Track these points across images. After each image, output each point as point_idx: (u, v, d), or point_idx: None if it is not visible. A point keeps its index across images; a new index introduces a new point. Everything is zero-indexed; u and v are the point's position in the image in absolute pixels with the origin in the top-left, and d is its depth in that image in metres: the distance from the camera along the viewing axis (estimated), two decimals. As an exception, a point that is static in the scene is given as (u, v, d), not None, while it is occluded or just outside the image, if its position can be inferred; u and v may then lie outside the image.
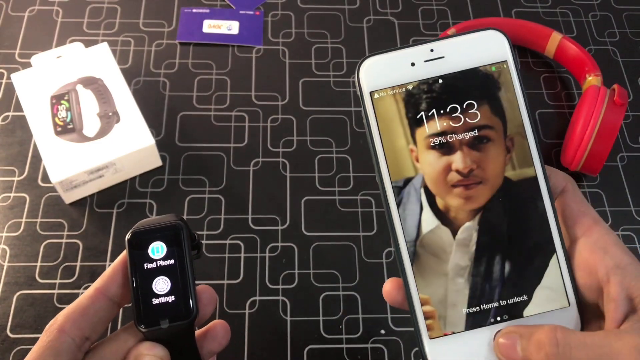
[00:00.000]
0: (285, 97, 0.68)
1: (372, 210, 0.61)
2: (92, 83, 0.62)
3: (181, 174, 0.62)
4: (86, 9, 0.73)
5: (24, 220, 0.59)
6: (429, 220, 0.33)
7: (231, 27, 0.72)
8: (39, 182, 0.61)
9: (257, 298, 0.56)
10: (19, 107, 0.65)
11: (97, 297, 0.32)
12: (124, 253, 0.32)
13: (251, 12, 0.74)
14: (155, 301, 0.31)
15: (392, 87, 0.33)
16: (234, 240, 0.59)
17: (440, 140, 0.32)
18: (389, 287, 0.35)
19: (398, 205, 0.33)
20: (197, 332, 0.33)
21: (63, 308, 0.54)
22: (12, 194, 0.60)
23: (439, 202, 0.33)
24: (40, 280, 0.56)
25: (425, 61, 0.33)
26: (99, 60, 0.63)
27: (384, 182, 0.33)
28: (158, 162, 0.62)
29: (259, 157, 0.63)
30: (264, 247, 0.58)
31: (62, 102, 0.61)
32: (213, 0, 0.75)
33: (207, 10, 0.74)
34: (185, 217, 0.60)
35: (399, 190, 0.33)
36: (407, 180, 0.33)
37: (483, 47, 0.33)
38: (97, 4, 0.73)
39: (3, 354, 0.52)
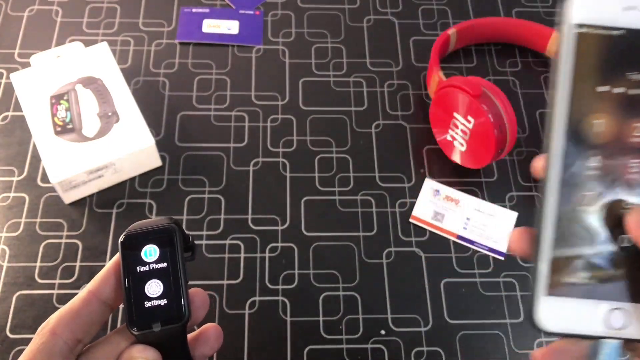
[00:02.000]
0: (285, 97, 0.67)
1: (372, 210, 0.61)
2: (91, 83, 0.62)
3: (181, 174, 0.62)
4: (86, 9, 0.72)
5: (23, 220, 0.59)
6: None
7: (231, 26, 0.72)
8: (39, 182, 0.61)
9: (257, 298, 0.56)
10: (18, 107, 0.65)
11: (89, 300, 0.32)
12: (117, 256, 0.33)
13: (251, 12, 0.74)
14: (148, 304, 0.31)
15: (605, 27, 0.27)
16: (233, 240, 0.58)
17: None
18: (516, 235, 0.32)
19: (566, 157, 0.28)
20: (190, 335, 0.33)
21: (62, 308, 0.54)
22: (12, 194, 0.60)
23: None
24: (40, 281, 0.56)
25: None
26: (99, 60, 0.63)
27: (555, 121, 0.28)
28: (158, 162, 0.62)
29: (259, 157, 0.63)
30: (264, 247, 0.58)
31: (62, 102, 0.60)
32: (213, 0, 0.75)
33: (207, 10, 0.73)
34: (185, 217, 0.60)
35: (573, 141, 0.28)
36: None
37: None
38: (97, 4, 0.73)
39: (3, 354, 0.52)
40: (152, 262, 0.32)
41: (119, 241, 0.32)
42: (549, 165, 0.29)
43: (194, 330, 0.35)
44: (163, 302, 0.31)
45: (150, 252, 0.32)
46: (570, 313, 0.29)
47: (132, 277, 0.32)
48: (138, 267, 0.32)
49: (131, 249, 0.32)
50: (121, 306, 0.36)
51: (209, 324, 0.34)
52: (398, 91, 0.69)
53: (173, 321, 0.31)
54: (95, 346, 0.32)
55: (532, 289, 0.30)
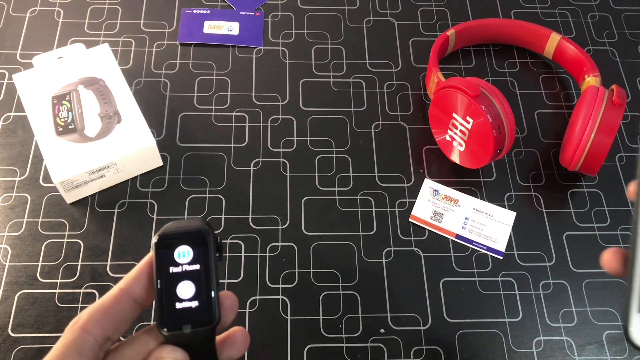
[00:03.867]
0: (286, 98, 0.68)
1: (372, 210, 0.61)
2: (93, 83, 0.62)
3: (182, 174, 0.62)
4: (87, 10, 0.73)
5: (25, 220, 0.59)
6: None
7: (232, 28, 0.72)
8: (41, 182, 0.61)
9: (258, 297, 0.56)
10: (20, 108, 0.66)
11: (120, 298, 0.32)
12: (150, 255, 0.33)
13: (251, 13, 0.74)
14: (179, 305, 0.31)
15: None
16: (234, 239, 0.59)
17: None
18: (609, 255, 0.34)
19: None
20: (217, 337, 0.33)
21: (64, 307, 0.55)
22: (14, 194, 0.60)
23: None
24: (42, 280, 0.56)
25: None
26: (100, 61, 0.63)
27: None
28: (159, 162, 0.62)
29: (259, 157, 0.64)
30: (264, 247, 0.59)
31: (64, 102, 0.61)
32: (214, 1, 0.75)
33: (208, 11, 0.74)
34: (186, 216, 0.60)
35: None
36: None
37: None
38: (98, 5, 0.73)
39: (4, 353, 0.53)
40: (185, 264, 0.32)
41: (153, 241, 0.32)
42: None
43: (222, 331, 0.35)
44: (194, 304, 0.31)
45: (184, 254, 0.32)
46: None
47: (164, 277, 0.32)
48: (170, 268, 0.32)
49: (164, 250, 0.32)
50: (153, 304, 0.36)
51: (236, 327, 0.34)
52: (397, 92, 0.69)
53: (203, 324, 0.31)
54: (125, 344, 0.32)
55: (625, 307, 0.31)
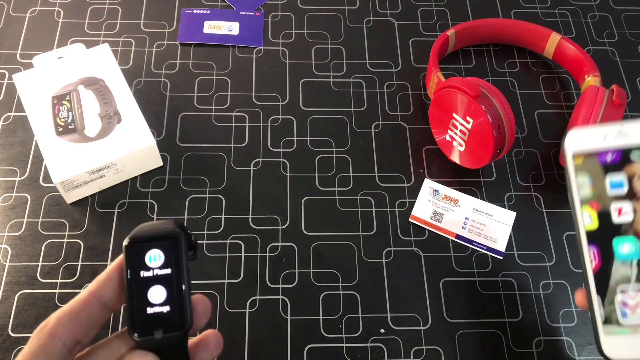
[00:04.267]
0: (286, 98, 0.68)
1: (372, 210, 0.61)
2: (93, 83, 0.62)
3: (182, 174, 0.62)
4: (87, 10, 0.73)
5: (25, 220, 0.59)
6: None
7: (232, 28, 0.73)
8: (41, 182, 0.61)
9: (258, 297, 0.56)
10: (20, 108, 0.66)
11: (90, 301, 0.31)
12: (120, 258, 0.32)
13: (251, 13, 0.74)
14: (150, 310, 0.31)
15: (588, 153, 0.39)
16: (234, 240, 0.59)
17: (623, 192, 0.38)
18: (579, 295, 0.42)
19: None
20: (190, 341, 0.33)
21: (64, 307, 0.55)
22: (14, 194, 0.60)
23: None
24: (42, 280, 0.56)
25: (614, 136, 0.39)
26: (100, 61, 0.63)
27: (577, 214, 0.39)
28: (159, 162, 0.62)
29: (260, 157, 0.64)
30: (265, 247, 0.59)
31: (64, 102, 0.61)
32: (214, 1, 0.75)
33: (208, 11, 0.74)
34: (186, 216, 0.60)
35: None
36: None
37: None
38: (98, 5, 0.73)
39: (4, 353, 0.53)
40: (156, 268, 0.31)
41: (123, 245, 0.32)
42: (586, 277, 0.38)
43: (195, 335, 0.35)
44: (166, 309, 0.31)
45: (155, 258, 0.32)
46: (626, 346, 0.36)
47: (135, 281, 0.31)
48: (141, 272, 0.31)
49: (135, 254, 0.32)
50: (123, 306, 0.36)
51: (209, 331, 0.34)
52: (397, 92, 0.69)
53: (175, 328, 0.31)
54: (95, 350, 0.31)
55: (595, 331, 0.37)
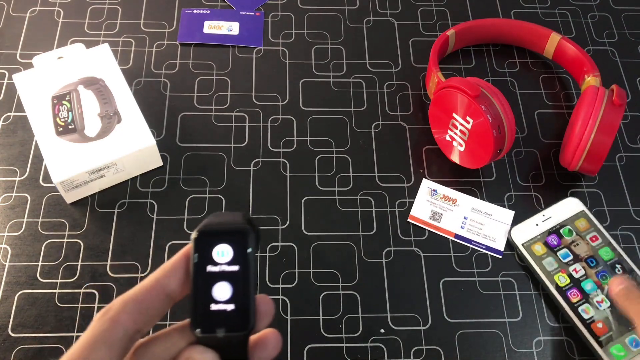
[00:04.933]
0: (286, 98, 0.68)
1: (372, 210, 0.61)
2: (93, 83, 0.62)
3: (182, 174, 0.62)
4: (87, 10, 0.73)
5: (25, 220, 0.59)
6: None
7: (232, 27, 0.73)
8: (40, 182, 0.61)
9: (258, 297, 0.56)
10: (20, 108, 0.66)
11: (154, 290, 0.30)
12: (187, 248, 0.31)
13: (251, 13, 0.74)
14: (214, 307, 0.30)
15: (531, 239, 0.59)
16: (234, 239, 0.59)
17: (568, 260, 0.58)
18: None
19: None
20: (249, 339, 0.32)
21: (64, 307, 0.55)
22: (14, 194, 0.60)
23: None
24: (42, 280, 0.56)
25: (542, 222, 0.60)
26: (100, 61, 0.63)
27: (552, 291, 0.57)
28: (159, 162, 0.62)
29: (259, 157, 0.64)
30: (265, 247, 0.59)
31: (64, 102, 0.61)
32: (214, 1, 0.75)
33: (208, 11, 0.74)
34: (186, 216, 0.60)
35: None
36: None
37: (568, 207, 0.60)
38: (98, 5, 0.73)
39: (4, 353, 0.53)
40: (224, 264, 0.30)
41: (192, 237, 0.31)
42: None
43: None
44: (230, 307, 0.30)
45: (223, 253, 0.30)
46: None
47: (201, 276, 0.30)
48: (208, 267, 0.30)
49: (203, 247, 0.30)
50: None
51: (268, 330, 0.32)
52: (397, 92, 0.69)
53: (238, 329, 0.30)
54: (155, 341, 0.30)
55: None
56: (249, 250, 0.30)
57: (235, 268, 0.30)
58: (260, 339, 0.32)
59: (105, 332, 0.29)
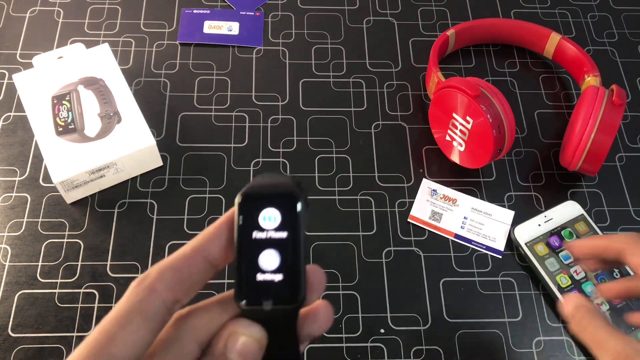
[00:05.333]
0: (286, 98, 0.68)
1: (372, 210, 0.61)
2: (93, 83, 0.62)
3: (182, 174, 0.62)
4: (87, 10, 0.73)
5: (25, 220, 0.59)
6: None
7: (232, 27, 0.73)
8: (40, 182, 0.61)
9: (258, 297, 0.56)
10: (20, 108, 0.66)
11: (194, 258, 0.27)
12: (231, 212, 0.28)
13: (251, 13, 0.74)
14: (260, 277, 0.27)
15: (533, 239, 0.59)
16: (234, 239, 0.59)
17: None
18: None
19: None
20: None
21: (64, 307, 0.55)
22: (14, 194, 0.60)
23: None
24: (42, 280, 0.56)
25: (544, 222, 0.60)
26: (100, 61, 0.63)
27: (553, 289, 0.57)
28: (159, 162, 0.62)
29: (259, 157, 0.64)
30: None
31: (64, 102, 0.61)
32: (213, 1, 0.75)
33: (208, 11, 0.74)
34: (186, 216, 0.60)
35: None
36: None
37: (568, 210, 0.61)
38: (98, 5, 0.73)
39: (4, 353, 0.53)
40: (271, 230, 0.27)
41: (236, 201, 0.28)
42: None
43: None
44: (278, 277, 0.27)
45: (270, 218, 0.27)
46: None
47: (246, 242, 0.27)
48: (254, 233, 0.27)
49: (248, 211, 0.27)
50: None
51: (319, 301, 0.29)
52: (397, 92, 0.69)
53: (287, 302, 0.27)
54: (195, 313, 0.28)
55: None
56: (300, 214, 0.27)
57: (283, 234, 0.27)
58: (311, 311, 0.29)
59: (141, 302, 0.26)
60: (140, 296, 0.26)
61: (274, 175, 0.29)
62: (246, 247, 0.27)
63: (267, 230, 0.27)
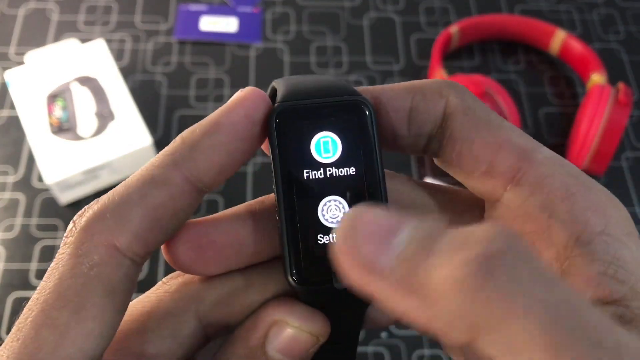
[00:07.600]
0: (285, 96, 0.67)
1: (373, 211, 0.60)
2: (87, 81, 0.61)
3: (179, 174, 0.61)
4: (82, 6, 0.72)
5: (18, 221, 0.58)
6: None
7: (229, 24, 0.71)
8: (34, 182, 0.60)
9: (256, 301, 0.55)
10: (13, 106, 0.64)
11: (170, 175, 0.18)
12: (235, 102, 0.19)
13: (249, 9, 0.73)
14: (323, 239, 0.18)
15: None
16: (232, 241, 0.58)
17: None
18: None
19: None
20: None
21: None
22: (7, 195, 0.59)
23: None
24: (36, 282, 0.55)
25: None
26: (95, 58, 0.62)
27: None
28: (155, 162, 0.61)
29: (259, 157, 0.63)
30: (263, 249, 0.57)
31: (58, 100, 0.60)
32: (211, -4, 0.74)
33: (205, 8, 0.73)
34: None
35: None
36: None
37: None
38: (93, 1, 0.72)
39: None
40: (330, 165, 0.18)
41: (273, 120, 0.18)
42: None
43: None
44: None
45: (327, 146, 0.18)
46: None
47: (296, 187, 0.18)
48: (305, 172, 0.18)
49: (295, 137, 0.18)
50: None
51: None
52: (399, 90, 0.68)
53: None
54: (209, 284, 0.20)
55: None
56: (374, 132, 0.18)
57: (352, 170, 0.18)
58: None
59: (102, 267, 0.17)
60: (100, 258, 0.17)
61: (318, 79, 0.19)
62: (298, 194, 0.18)
63: (325, 166, 0.18)
